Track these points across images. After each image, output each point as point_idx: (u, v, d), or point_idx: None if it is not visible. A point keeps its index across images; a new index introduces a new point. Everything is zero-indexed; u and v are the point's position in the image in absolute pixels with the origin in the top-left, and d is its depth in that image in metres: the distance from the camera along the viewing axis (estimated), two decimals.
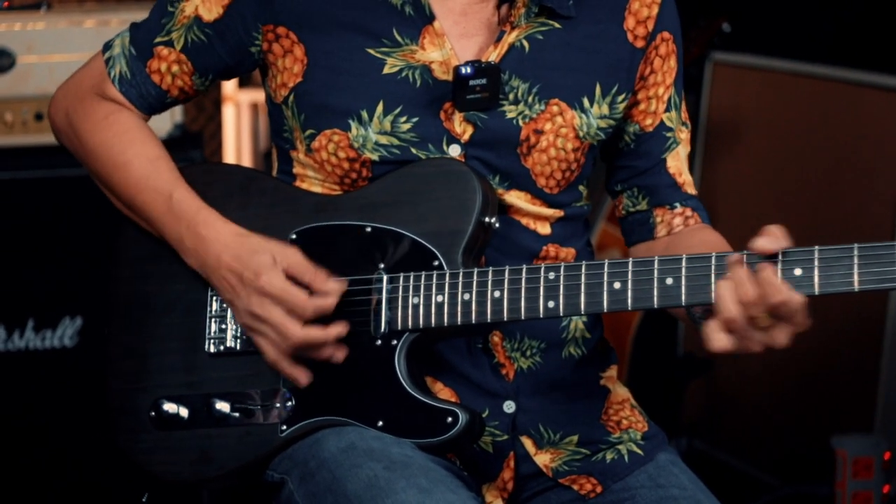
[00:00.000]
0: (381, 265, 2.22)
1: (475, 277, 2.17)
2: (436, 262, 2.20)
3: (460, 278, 2.17)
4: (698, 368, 4.35)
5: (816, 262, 2.02)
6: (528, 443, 2.30)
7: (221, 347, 2.29)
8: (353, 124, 2.25)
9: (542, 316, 2.14)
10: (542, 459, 2.30)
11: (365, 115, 2.24)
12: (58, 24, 3.54)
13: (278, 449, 2.25)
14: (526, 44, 2.26)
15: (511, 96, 2.25)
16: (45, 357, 3.52)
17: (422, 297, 2.19)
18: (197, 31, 2.32)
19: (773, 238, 2.04)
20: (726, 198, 4.37)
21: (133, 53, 2.37)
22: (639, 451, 2.33)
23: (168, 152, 2.37)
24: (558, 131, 2.27)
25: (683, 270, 2.08)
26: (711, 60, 4.44)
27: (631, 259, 2.12)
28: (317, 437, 2.21)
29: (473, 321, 2.17)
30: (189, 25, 2.33)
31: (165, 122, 3.54)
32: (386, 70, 2.25)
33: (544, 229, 2.31)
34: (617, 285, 2.11)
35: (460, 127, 2.25)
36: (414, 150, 2.25)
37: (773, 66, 4.32)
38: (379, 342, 2.20)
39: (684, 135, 2.39)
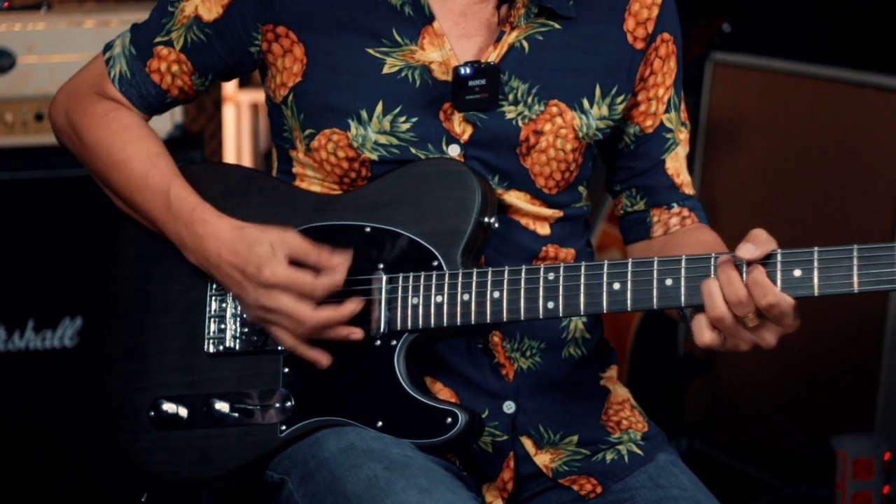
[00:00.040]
0: (381, 265, 2.22)
1: (474, 278, 2.17)
2: (435, 263, 2.20)
3: (459, 279, 2.17)
4: (698, 369, 4.35)
5: (816, 264, 2.02)
6: (527, 443, 2.30)
7: (221, 347, 2.29)
8: (353, 124, 2.25)
9: (541, 316, 2.14)
10: (542, 460, 2.30)
11: (364, 114, 2.24)
12: (58, 25, 3.54)
13: (278, 449, 2.24)
14: (525, 44, 2.26)
15: (511, 97, 2.25)
16: (45, 357, 3.52)
17: (421, 297, 2.19)
18: (197, 31, 2.32)
19: (756, 244, 2.03)
20: (726, 198, 4.37)
21: (133, 53, 2.37)
22: (639, 452, 2.33)
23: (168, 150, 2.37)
24: (558, 132, 2.26)
25: (683, 271, 2.08)
26: (711, 60, 4.44)
27: (630, 260, 2.11)
28: (316, 437, 2.21)
29: (473, 322, 2.17)
30: (189, 25, 2.33)
31: (165, 122, 3.53)
32: (385, 70, 2.25)
33: (544, 230, 2.30)
34: (616, 286, 2.11)
35: (460, 127, 2.25)
36: (413, 150, 2.25)
37: (774, 67, 4.32)
38: (378, 342, 2.20)
39: (683, 135, 2.39)
